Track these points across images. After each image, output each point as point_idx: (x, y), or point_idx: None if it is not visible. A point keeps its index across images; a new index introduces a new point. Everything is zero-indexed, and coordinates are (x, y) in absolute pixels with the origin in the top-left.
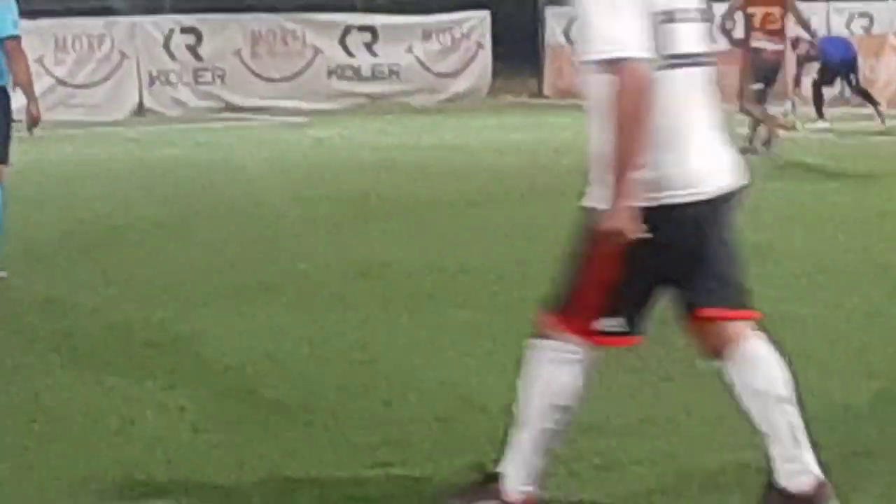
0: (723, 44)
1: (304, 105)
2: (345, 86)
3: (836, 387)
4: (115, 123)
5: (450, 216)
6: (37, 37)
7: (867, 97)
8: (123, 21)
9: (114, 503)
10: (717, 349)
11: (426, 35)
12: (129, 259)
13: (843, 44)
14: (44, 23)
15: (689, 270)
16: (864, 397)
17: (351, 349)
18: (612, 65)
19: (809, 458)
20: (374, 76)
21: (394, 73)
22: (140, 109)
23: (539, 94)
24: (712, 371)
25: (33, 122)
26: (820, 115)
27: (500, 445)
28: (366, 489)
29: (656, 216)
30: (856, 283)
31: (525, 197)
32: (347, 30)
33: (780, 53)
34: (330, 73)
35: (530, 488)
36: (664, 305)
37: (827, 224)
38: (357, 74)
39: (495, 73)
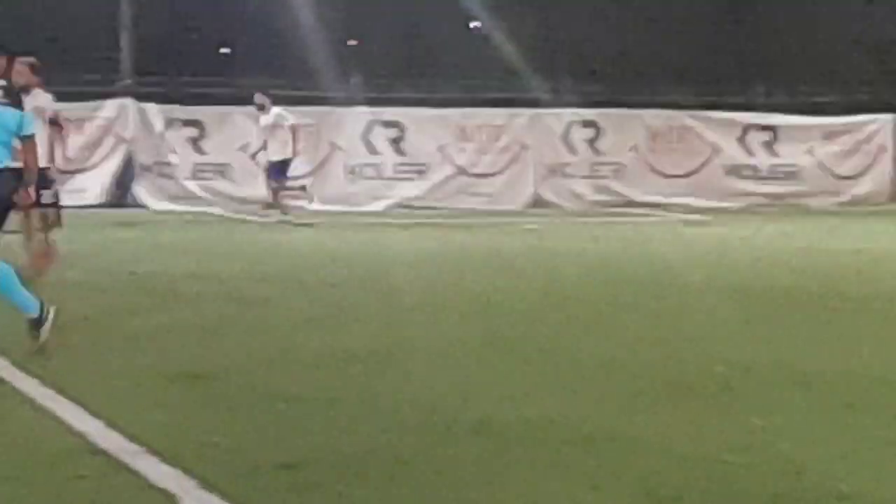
0: None
1: (701, 202)
2: (743, 185)
3: None
4: (512, 213)
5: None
6: (441, 125)
7: None
8: (525, 113)
9: None
10: None
11: (827, 136)
12: (547, 350)
13: None
14: (449, 112)
15: None
16: None
17: (776, 458)
18: None
19: None
20: (773, 176)
21: (793, 174)
22: (535, 200)
23: None
24: None
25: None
26: None
27: None
28: None
29: None
30: None
31: None
32: (747, 129)
33: None
34: (728, 171)
35: None
36: None
37: None
38: (755, 174)
39: None
